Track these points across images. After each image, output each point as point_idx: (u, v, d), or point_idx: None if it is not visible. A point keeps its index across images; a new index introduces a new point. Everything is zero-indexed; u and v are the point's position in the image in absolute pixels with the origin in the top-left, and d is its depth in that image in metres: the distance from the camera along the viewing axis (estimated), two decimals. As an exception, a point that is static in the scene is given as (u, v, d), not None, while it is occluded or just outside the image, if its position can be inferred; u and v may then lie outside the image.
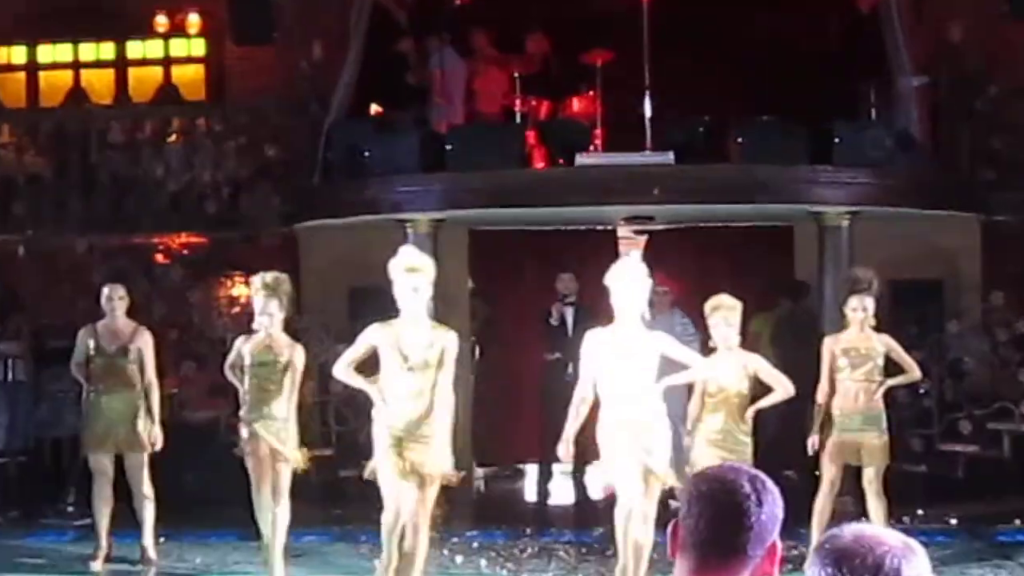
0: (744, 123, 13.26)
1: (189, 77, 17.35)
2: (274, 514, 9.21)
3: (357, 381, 8.54)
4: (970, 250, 13.88)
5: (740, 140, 13.08)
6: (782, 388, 9.20)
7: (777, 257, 14.21)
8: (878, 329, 9.79)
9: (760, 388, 9.30)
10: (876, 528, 2.54)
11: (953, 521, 11.03)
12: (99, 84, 17.49)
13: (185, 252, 14.74)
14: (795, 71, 14.70)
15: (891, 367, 9.89)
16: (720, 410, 9.14)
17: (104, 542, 10.22)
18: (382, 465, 8.19)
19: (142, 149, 15.13)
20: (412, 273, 8.32)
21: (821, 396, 9.79)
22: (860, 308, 9.71)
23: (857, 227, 12.71)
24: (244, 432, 9.41)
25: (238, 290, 15.53)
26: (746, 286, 12.65)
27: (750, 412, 9.16)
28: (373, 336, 8.34)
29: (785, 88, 14.43)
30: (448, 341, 8.34)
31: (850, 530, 2.53)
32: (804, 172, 12.78)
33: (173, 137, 15.33)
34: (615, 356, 8.50)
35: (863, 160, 12.79)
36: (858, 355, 9.75)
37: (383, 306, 12.98)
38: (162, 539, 10.57)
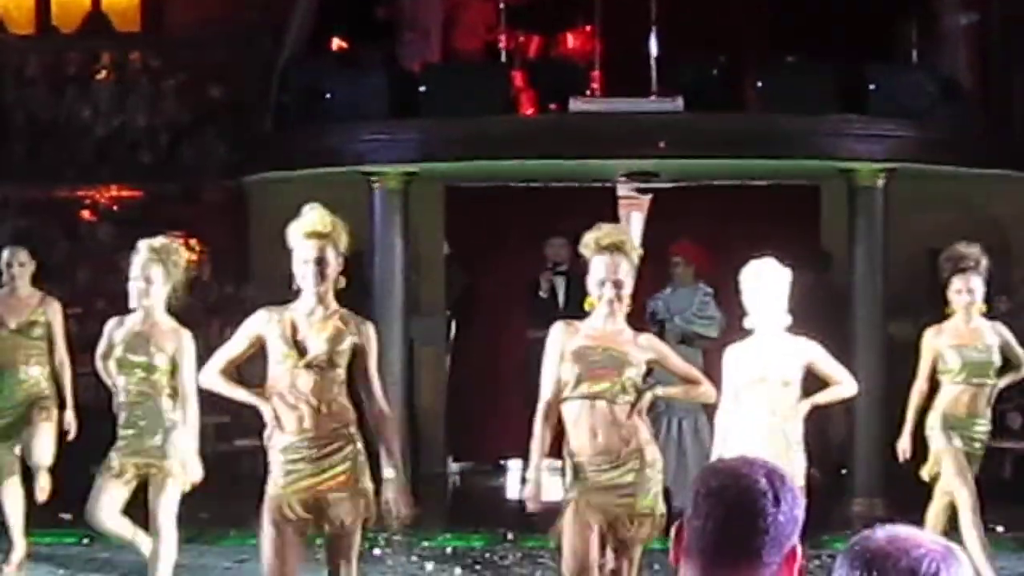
0: (764, 65, 13.31)
1: (122, 4, 17.30)
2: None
3: (237, 392, 7.41)
4: (1023, 216, 13.93)
5: (759, 84, 13.07)
6: (847, 383, 8.59)
7: (801, 221, 14.24)
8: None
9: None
10: (913, 530, 2.52)
11: (999, 528, 11.11)
12: (16, 11, 17.42)
13: (115, 208, 14.71)
14: (823, 4, 14.72)
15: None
16: (761, 406, 8.35)
17: (19, 541, 10.22)
18: (267, 519, 7.10)
19: (65, 87, 15.10)
20: (313, 240, 7.19)
21: (917, 397, 9.61)
22: (965, 290, 9.39)
23: (893, 187, 12.71)
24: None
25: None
26: (763, 255, 12.71)
27: (803, 407, 8.40)
28: (259, 325, 7.24)
29: (811, 24, 14.48)
30: (363, 333, 7.27)
31: (884, 531, 2.53)
32: (833, 122, 12.80)
33: (102, 74, 15.29)
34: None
35: (901, 110, 12.81)
36: (970, 351, 9.44)
37: (350, 276, 13.07)
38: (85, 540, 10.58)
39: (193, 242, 15.45)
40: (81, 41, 16.37)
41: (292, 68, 13.95)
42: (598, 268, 7.47)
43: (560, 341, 7.50)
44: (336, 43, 15.06)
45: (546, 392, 7.64)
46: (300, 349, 7.08)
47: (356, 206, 12.80)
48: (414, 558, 11.05)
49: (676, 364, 7.61)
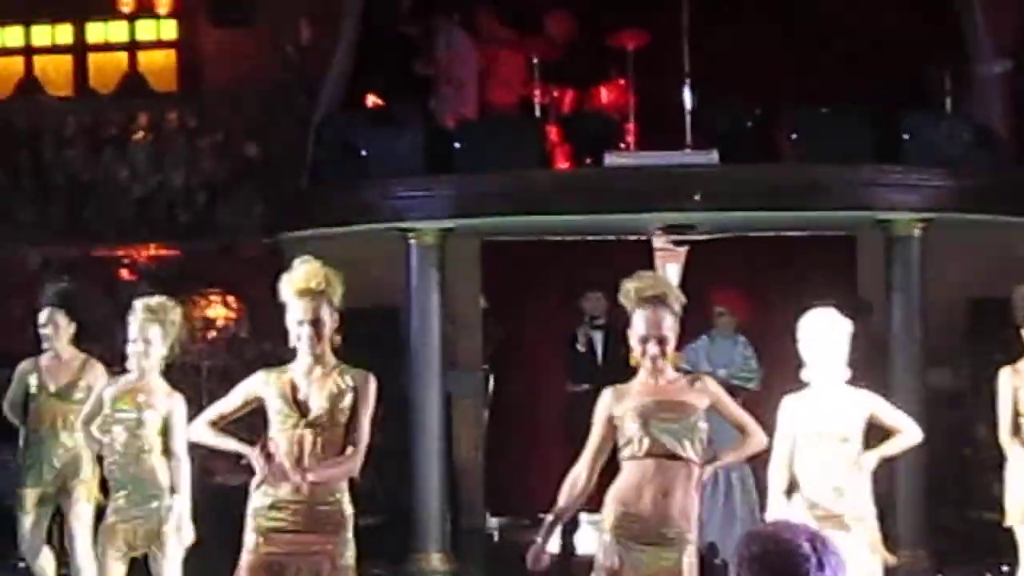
0: (799, 115, 13.25)
1: (158, 64, 17.41)
2: None
3: (225, 442, 7.13)
4: (1063, 261, 13.88)
5: (794, 135, 13.07)
6: (911, 431, 8.24)
7: (838, 271, 14.17)
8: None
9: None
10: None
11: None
12: (54, 72, 17.57)
13: (154, 267, 14.77)
14: (857, 53, 14.71)
15: None
16: (816, 461, 7.99)
17: None
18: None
19: (104, 148, 15.18)
20: (306, 299, 6.93)
21: (1006, 439, 9.50)
22: None
23: (930, 237, 12.69)
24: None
25: (215, 311, 15.59)
26: (801, 305, 12.68)
27: (870, 462, 8.02)
28: (257, 386, 7.03)
29: (846, 74, 14.46)
30: (360, 388, 6.92)
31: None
32: (868, 172, 12.77)
33: (140, 134, 15.38)
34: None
35: (937, 159, 12.77)
36: None
37: (382, 329, 13.10)
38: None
39: (231, 299, 15.55)
40: (118, 101, 16.48)
41: (327, 125, 13.99)
42: (639, 323, 7.25)
43: (608, 406, 7.26)
44: (371, 99, 15.11)
45: (585, 455, 7.39)
46: (302, 409, 6.84)
47: (393, 261, 12.88)
48: (454, 616, 11.05)
49: (732, 410, 7.36)
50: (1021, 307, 9.55)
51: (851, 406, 8.01)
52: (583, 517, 14.06)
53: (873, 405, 8.08)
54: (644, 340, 7.20)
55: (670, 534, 6.93)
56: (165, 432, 8.57)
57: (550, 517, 7.74)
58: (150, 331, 8.57)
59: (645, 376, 7.22)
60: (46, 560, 10.05)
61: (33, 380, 10.04)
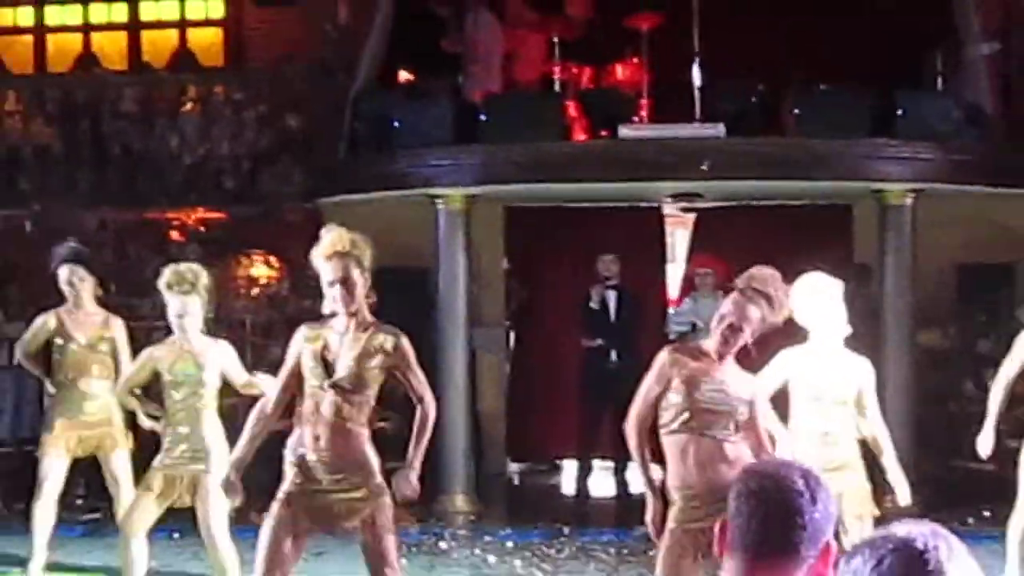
0: (800, 92, 13.24)
1: (207, 41, 17.43)
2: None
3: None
4: (1044, 231, 13.86)
5: (796, 111, 13.06)
6: (879, 426, 8.06)
7: (835, 238, 14.16)
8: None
9: None
10: (920, 525, 2.43)
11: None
12: (110, 48, 17.59)
13: (202, 229, 14.80)
14: (855, 36, 14.68)
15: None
16: (814, 423, 7.90)
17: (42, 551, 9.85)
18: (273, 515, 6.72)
19: (156, 119, 15.21)
20: (335, 260, 6.74)
21: (1003, 389, 9.20)
22: None
23: (921, 206, 12.67)
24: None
25: (258, 270, 15.62)
26: (802, 270, 12.65)
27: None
28: (298, 343, 6.88)
29: (844, 54, 14.42)
30: (398, 350, 6.74)
31: (902, 527, 2.46)
32: (864, 146, 12.74)
33: (189, 106, 15.39)
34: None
35: (928, 134, 12.75)
36: None
37: (412, 289, 13.11)
38: (175, 535, 10.61)
39: (272, 259, 15.57)
40: (169, 76, 16.49)
41: (363, 99, 13.99)
42: (723, 305, 6.78)
43: (665, 366, 6.59)
44: (404, 76, 15.12)
45: (635, 406, 6.74)
46: (328, 369, 6.68)
47: (422, 226, 12.88)
48: (477, 551, 11.05)
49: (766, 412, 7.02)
50: None
51: (849, 372, 7.89)
52: (596, 463, 14.14)
53: (865, 381, 7.93)
54: (720, 319, 6.65)
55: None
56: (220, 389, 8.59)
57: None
58: (187, 298, 8.44)
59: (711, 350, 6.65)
60: (50, 509, 9.98)
61: (56, 333, 9.86)
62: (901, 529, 2.41)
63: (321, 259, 6.74)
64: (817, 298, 7.81)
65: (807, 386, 7.78)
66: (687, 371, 6.41)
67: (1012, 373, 9.18)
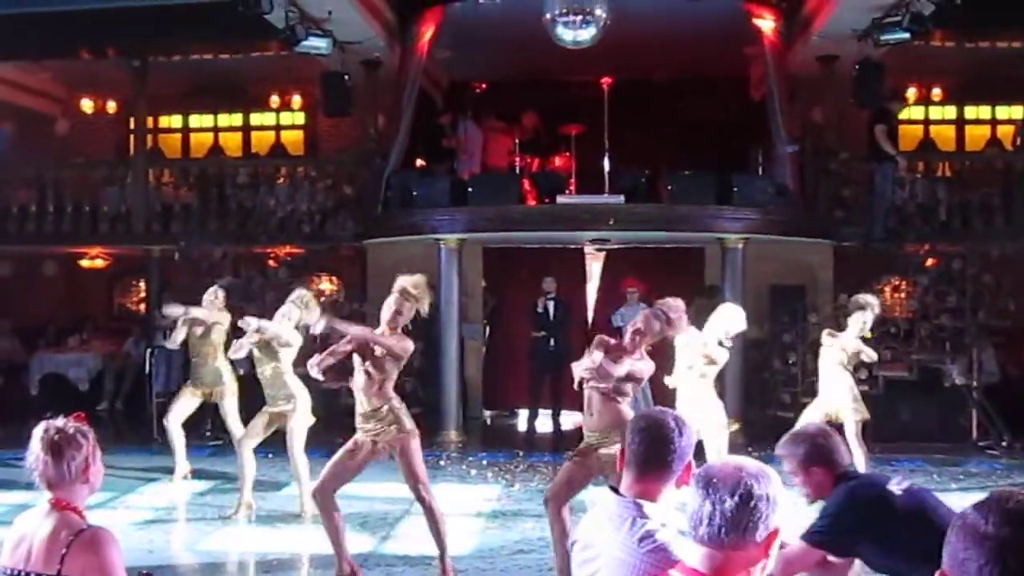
0: (672, 175, 13.28)
1: (293, 138, 17.46)
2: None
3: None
4: (825, 265, 13.93)
5: (669, 187, 13.11)
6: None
7: (694, 268, 14.25)
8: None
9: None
10: (742, 458, 2.38)
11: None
12: (231, 142, 17.59)
13: (289, 258, 14.77)
14: (708, 139, 14.77)
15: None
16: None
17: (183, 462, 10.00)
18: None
19: (260, 187, 15.17)
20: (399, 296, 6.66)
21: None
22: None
23: (748, 249, 12.73)
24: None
25: (323, 285, 15.64)
26: (673, 288, 12.69)
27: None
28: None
29: (699, 150, 14.52)
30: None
31: (722, 459, 2.43)
32: (712, 210, 12.76)
33: (282, 179, 15.37)
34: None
35: (753, 202, 12.82)
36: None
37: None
38: (270, 455, 10.54)
39: (333, 279, 15.56)
40: (269, 160, 16.48)
41: (393, 176, 14.00)
42: (639, 315, 6.63)
43: (598, 343, 6.34)
44: (419, 162, 15.15)
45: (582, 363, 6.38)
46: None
47: (431, 258, 12.89)
48: (463, 467, 11.05)
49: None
50: (852, 305, 9.23)
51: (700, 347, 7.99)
52: (540, 410, 14.15)
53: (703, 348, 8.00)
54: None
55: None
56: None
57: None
58: (292, 315, 8.46)
59: None
60: (179, 430, 9.91)
61: (190, 325, 9.86)
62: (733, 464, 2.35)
63: (395, 291, 6.58)
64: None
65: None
66: (608, 351, 6.30)
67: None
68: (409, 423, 6.57)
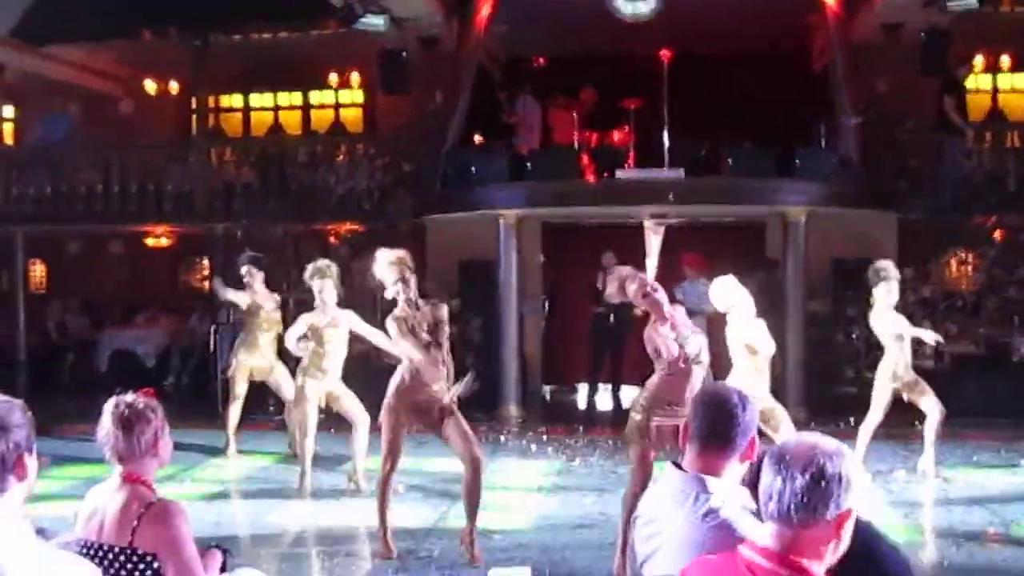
0: (732, 148, 13.14)
1: (352, 116, 17.52)
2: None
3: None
4: (889, 238, 13.71)
5: (730, 161, 12.98)
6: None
7: (755, 243, 14.11)
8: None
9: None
10: (817, 436, 2.35)
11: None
12: (291, 121, 17.71)
13: (349, 235, 14.88)
14: (769, 112, 14.56)
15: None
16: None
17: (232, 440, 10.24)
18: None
19: (320, 165, 15.27)
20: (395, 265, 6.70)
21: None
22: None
23: (811, 222, 12.59)
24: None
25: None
26: (733, 262, 12.59)
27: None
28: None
29: (761, 123, 14.32)
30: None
31: (796, 437, 2.39)
32: (774, 183, 12.63)
33: (341, 157, 15.45)
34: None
35: (815, 175, 12.67)
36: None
37: (483, 274, 13.15)
38: (332, 430, 10.65)
39: (394, 255, 15.61)
40: (328, 138, 16.55)
41: (451, 153, 14.01)
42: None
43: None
44: (477, 138, 15.13)
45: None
46: (417, 334, 6.60)
47: (489, 235, 12.92)
48: (523, 442, 11.10)
49: None
50: (871, 276, 9.10)
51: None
52: (600, 386, 14.13)
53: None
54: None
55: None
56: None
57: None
58: (323, 285, 8.54)
59: None
60: (236, 410, 10.16)
61: (244, 304, 10.14)
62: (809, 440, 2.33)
63: (384, 268, 6.61)
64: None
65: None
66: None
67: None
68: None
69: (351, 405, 8.70)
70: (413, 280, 6.66)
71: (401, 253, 6.67)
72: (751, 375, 7.71)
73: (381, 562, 6.66)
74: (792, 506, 2.23)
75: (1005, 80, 16.23)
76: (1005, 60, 15.81)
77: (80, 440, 9.96)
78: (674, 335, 6.06)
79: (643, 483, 5.86)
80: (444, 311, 6.67)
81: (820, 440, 2.32)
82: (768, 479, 2.28)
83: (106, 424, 3.37)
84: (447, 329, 6.71)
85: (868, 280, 9.11)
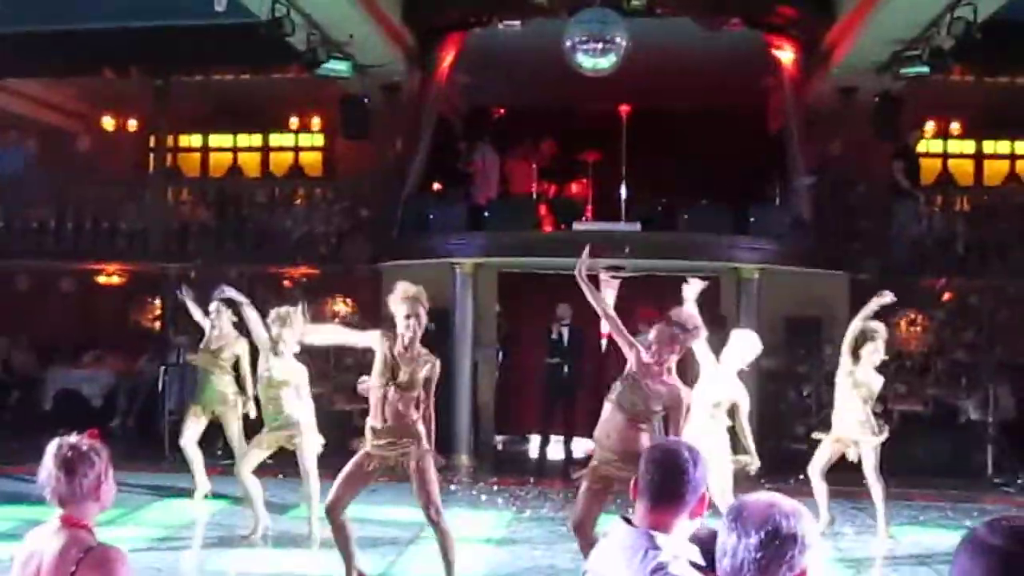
0: (689, 204, 13.28)
1: (312, 160, 17.51)
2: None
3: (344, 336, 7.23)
4: (840, 297, 13.82)
5: (686, 216, 13.10)
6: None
7: (709, 299, 14.12)
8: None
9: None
10: (774, 495, 2.32)
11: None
12: (249, 163, 17.65)
13: (304, 279, 14.79)
14: (726, 169, 14.73)
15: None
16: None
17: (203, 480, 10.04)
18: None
19: (277, 208, 15.22)
20: (407, 302, 6.54)
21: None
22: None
23: (764, 279, 12.71)
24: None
25: (339, 306, 15.61)
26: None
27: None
28: (374, 340, 6.66)
29: (718, 180, 14.48)
30: (432, 367, 6.57)
31: (754, 495, 2.36)
32: (728, 240, 12.78)
33: (299, 201, 15.41)
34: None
35: (769, 233, 12.82)
36: None
37: (438, 322, 13.08)
38: (280, 476, 10.52)
39: (348, 300, 15.55)
40: (287, 181, 16.53)
41: (410, 200, 14.02)
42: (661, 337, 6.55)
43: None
44: (436, 186, 15.17)
45: None
46: (393, 373, 6.45)
47: (445, 282, 12.90)
48: (474, 492, 11.02)
49: None
50: (862, 334, 9.00)
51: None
52: (552, 437, 14.09)
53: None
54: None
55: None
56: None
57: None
58: (282, 333, 8.30)
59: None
60: (195, 450, 9.95)
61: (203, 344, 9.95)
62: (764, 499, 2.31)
63: (399, 301, 6.47)
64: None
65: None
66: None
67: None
68: (426, 441, 6.55)
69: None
70: (422, 322, 6.52)
71: (418, 290, 6.51)
72: (713, 432, 7.78)
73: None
74: (745, 563, 2.21)
75: (955, 145, 16.60)
76: (955, 126, 16.19)
77: (22, 480, 9.73)
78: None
79: None
80: (434, 370, 6.49)
81: (778, 499, 2.30)
82: (723, 535, 2.26)
83: (48, 465, 3.30)
84: (432, 388, 6.53)
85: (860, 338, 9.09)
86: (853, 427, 8.88)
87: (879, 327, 9.05)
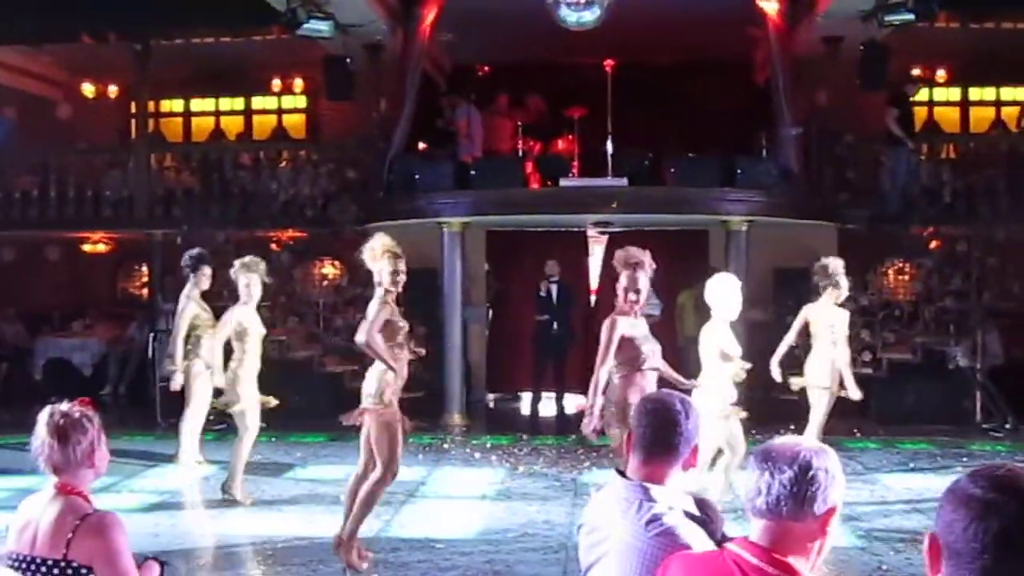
0: (675, 158, 13.25)
1: (295, 122, 17.39)
2: None
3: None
4: (829, 248, 13.81)
5: (673, 170, 13.08)
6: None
7: (697, 251, 14.22)
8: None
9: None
10: (797, 437, 2.38)
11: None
12: (232, 126, 17.53)
13: (291, 242, 14.76)
14: (712, 122, 14.72)
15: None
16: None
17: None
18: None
19: (262, 171, 15.15)
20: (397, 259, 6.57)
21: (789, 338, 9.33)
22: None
23: (752, 231, 12.71)
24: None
25: (326, 269, 15.61)
26: (676, 271, 12.71)
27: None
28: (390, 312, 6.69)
29: (705, 133, 14.47)
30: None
31: (778, 439, 2.39)
32: (716, 192, 12.76)
33: (283, 163, 15.33)
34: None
35: (757, 184, 12.80)
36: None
37: (427, 282, 13.11)
38: (273, 439, 10.57)
39: (336, 263, 15.53)
40: (271, 144, 16.43)
41: (396, 160, 13.96)
42: (624, 280, 6.65)
43: (621, 329, 6.52)
44: (421, 145, 15.11)
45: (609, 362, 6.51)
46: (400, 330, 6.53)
47: (433, 242, 12.89)
48: (467, 450, 11.06)
49: None
50: (817, 273, 9.16)
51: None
52: (543, 394, 14.15)
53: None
54: (626, 291, 6.63)
55: None
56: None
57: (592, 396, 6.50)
58: (250, 279, 8.31)
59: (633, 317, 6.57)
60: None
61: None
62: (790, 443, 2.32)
63: (379, 256, 6.45)
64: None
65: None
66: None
67: (790, 338, 9.10)
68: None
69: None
70: (403, 278, 6.47)
71: (394, 242, 6.47)
72: (722, 381, 7.82)
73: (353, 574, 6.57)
74: (781, 498, 2.23)
75: (941, 93, 16.56)
76: (941, 74, 16.14)
77: (14, 450, 9.73)
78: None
79: None
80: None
81: (802, 439, 2.34)
82: (754, 476, 2.27)
83: (40, 434, 3.30)
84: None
85: (813, 278, 9.17)
86: (822, 374, 8.94)
87: (834, 262, 8.99)
